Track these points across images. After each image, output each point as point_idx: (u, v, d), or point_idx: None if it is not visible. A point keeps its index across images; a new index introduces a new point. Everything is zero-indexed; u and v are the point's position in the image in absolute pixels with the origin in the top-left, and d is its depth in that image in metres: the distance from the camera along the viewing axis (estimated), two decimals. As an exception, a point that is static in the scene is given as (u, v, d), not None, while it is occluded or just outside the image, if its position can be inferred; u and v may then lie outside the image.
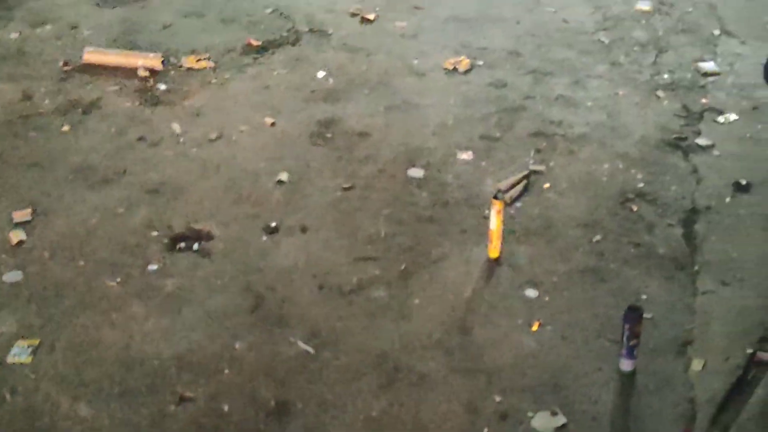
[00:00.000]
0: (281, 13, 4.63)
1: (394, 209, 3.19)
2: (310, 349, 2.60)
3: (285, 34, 4.44)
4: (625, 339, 2.51)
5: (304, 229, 3.09)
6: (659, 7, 4.80)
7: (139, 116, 3.72)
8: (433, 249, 3.00)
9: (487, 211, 3.06)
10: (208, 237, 3.06)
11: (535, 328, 2.69)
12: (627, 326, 2.50)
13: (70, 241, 3.00)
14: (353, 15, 4.63)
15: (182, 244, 3.02)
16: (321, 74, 4.07)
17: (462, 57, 4.20)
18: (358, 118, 3.74)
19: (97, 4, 4.68)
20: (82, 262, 2.90)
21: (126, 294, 2.79)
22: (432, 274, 2.89)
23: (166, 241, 3.03)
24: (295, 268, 2.92)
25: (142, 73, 4.01)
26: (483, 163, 3.46)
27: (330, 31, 4.46)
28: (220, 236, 3.05)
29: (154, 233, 3.05)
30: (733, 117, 3.78)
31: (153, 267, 2.90)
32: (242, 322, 2.70)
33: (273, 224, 3.10)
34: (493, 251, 2.96)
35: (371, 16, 4.61)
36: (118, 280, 2.84)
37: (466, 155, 3.51)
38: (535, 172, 3.40)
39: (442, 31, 4.50)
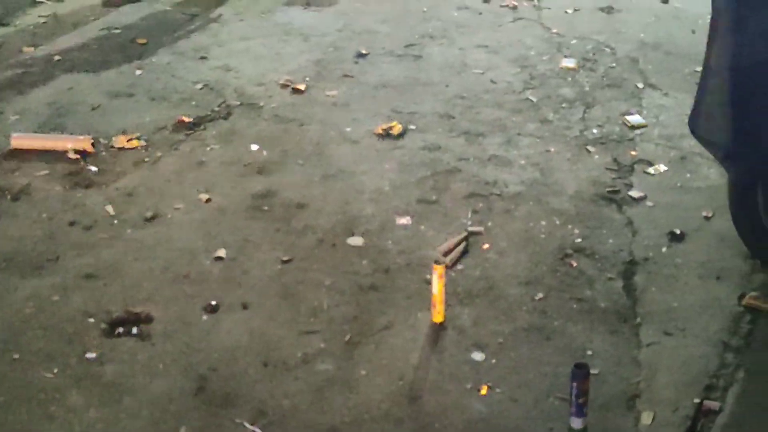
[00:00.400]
0: (211, 89, 4.63)
1: (336, 279, 3.16)
2: (258, 429, 2.54)
3: (216, 108, 4.43)
4: (573, 397, 2.51)
5: (245, 306, 3.04)
6: (584, 64, 4.91)
7: (71, 200, 3.65)
8: (377, 317, 2.98)
9: (428, 276, 3.06)
10: (147, 319, 2.99)
11: (484, 391, 2.67)
12: (574, 384, 2.49)
13: (3, 333, 2.91)
14: (284, 86, 4.64)
15: (121, 329, 2.95)
16: (254, 147, 4.06)
17: (394, 122, 4.23)
18: (294, 189, 3.72)
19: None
20: (16, 355, 2.81)
21: (64, 385, 2.71)
22: (377, 343, 2.87)
23: (103, 326, 2.95)
24: (238, 346, 2.86)
25: (72, 156, 3.95)
26: (422, 227, 3.47)
27: (261, 104, 4.47)
28: (160, 318, 2.99)
29: (91, 319, 2.98)
30: (662, 168, 3.85)
31: (91, 355, 2.82)
32: (186, 405, 2.64)
33: (213, 302, 3.05)
34: (437, 316, 2.95)
35: (302, 87, 4.64)
36: (55, 370, 2.76)
37: (404, 220, 3.51)
38: (473, 233, 3.42)
39: (372, 98, 4.54)
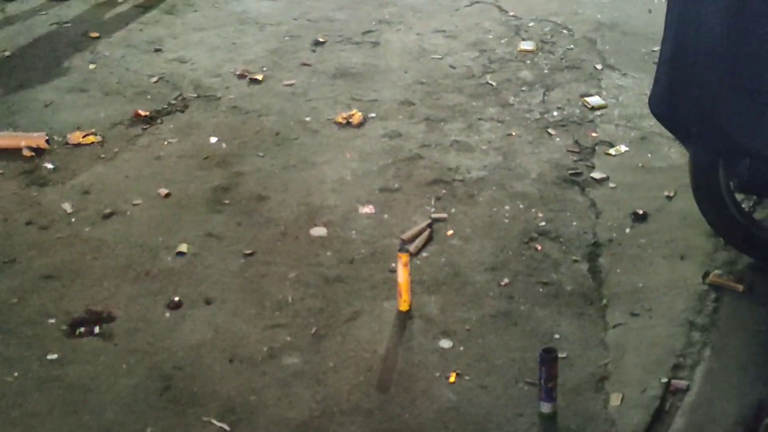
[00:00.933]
0: (167, 81, 4.55)
1: (300, 272, 3.13)
2: (226, 427, 2.51)
3: (173, 102, 4.36)
4: (542, 382, 2.50)
5: (208, 301, 3.00)
6: (542, 46, 4.90)
7: (27, 199, 3.58)
8: (343, 309, 2.95)
9: (393, 265, 3.04)
10: (109, 319, 2.94)
11: (452, 379, 2.66)
12: (543, 368, 2.49)
13: (-39, 338, 2.84)
14: (241, 77, 4.58)
15: (82, 329, 2.90)
16: (213, 140, 4.00)
17: (354, 111, 4.19)
18: (255, 181, 3.68)
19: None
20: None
21: (25, 388, 2.65)
22: (344, 335, 2.84)
23: (64, 327, 2.90)
24: (203, 342, 2.82)
25: (26, 153, 3.87)
26: (385, 216, 3.44)
27: (219, 95, 4.40)
28: (122, 317, 2.94)
29: (51, 321, 2.92)
30: (623, 148, 3.86)
31: (53, 356, 2.77)
32: (152, 405, 2.60)
33: (176, 299, 3.00)
34: (404, 304, 2.93)
35: (259, 77, 4.58)
36: (16, 374, 2.70)
37: (367, 209, 3.48)
38: (437, 220, 3.40)
39: (331, 86, 4.49)
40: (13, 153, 3.87)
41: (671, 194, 3.50)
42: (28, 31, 5.21)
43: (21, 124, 4.14)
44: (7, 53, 4.93)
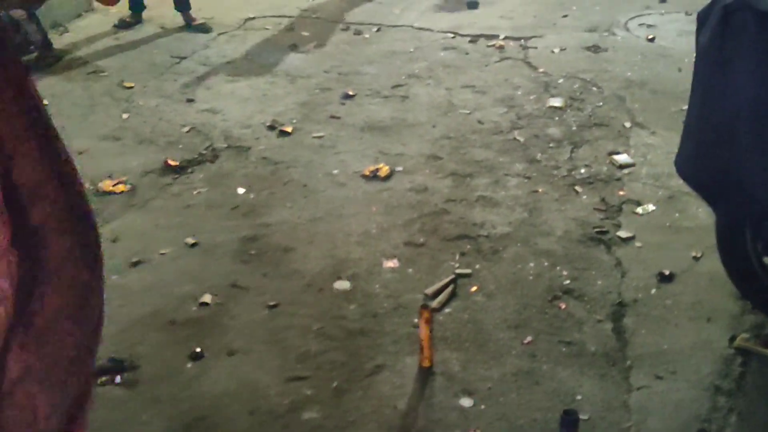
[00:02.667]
0: (198, 131, 4.62)
1: (324, 324, 3.13)
2: (244, 481, 2.51)
3: (203, 151, 4.42)
4: (564, 444, 2.48)
5: (231, 353, 3.01)
6: (571, 103, 4.93)
7: (56, 246, 3.61)
8: (365, 363, 2.94)
9: (416, 320, 3.03)
10: (132, 367, 2.95)
11: (473, 438, 2.64)
12: (564, 431, 2.46)
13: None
14: (270, 128, 4.64)
15: (105, 377, 2.91)
16: (241, 190, 4.05)
17: (381, 164, 4.22)
18: (281, 232, 3.70)
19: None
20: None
21: None
22: (365, 390, 2.83)
23: (87, 375, 2.91)
24: (225, 393, 2.83)
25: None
26: (409, 270, 3.44)
27: (248, 146, 4.46)
28: (144, 367, 2.95)
29: (75, 368, 2.93)
30: (651, 207, 3.85)
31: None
32: (171, 456, 2.60)
33: (198, 350, 3.01)
34: (425, 361, 2.92)
35: (289, 129, 4.63)
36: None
37: (391, 263, 3.49)
38: (461, 275, 3.40)
39: (359, 140, 4.54)
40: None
41: (698, 255, 3.48)
42: (66, 80, 5.32)
43: (54, 171, 4.20)
44: (45, 102, 5.02)
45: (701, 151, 2.85)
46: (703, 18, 2.80)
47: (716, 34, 2.71)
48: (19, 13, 5.51)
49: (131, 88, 5.15)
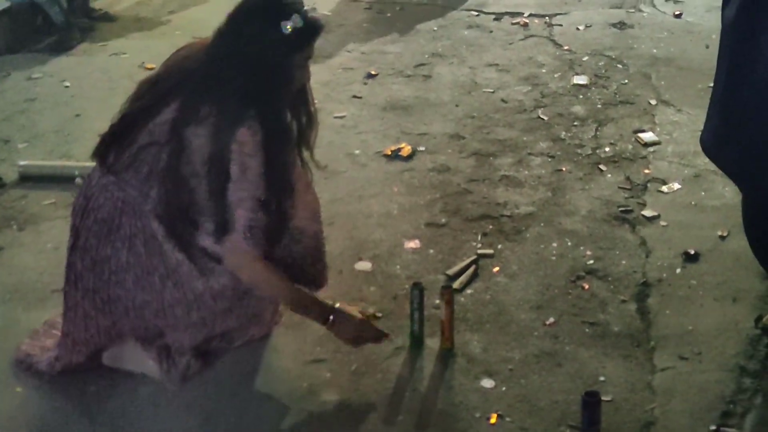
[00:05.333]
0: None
1: (343, 307, 3.10)
2: (262, 463, 2.49)
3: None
4: (585, 426, 2.44)
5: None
6: (596, 81, 4.86)
7: (77, 228, 3.61)
8: (384, 345, 2.91)
9: (437, 301, 3.00)
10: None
11: (493, 420, 2.61)
12: (586, 413, 2.43)
13: (6, 367, 2.86)
14: (292, 109, 4.60)
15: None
16: (262, 171, 4.02)
17: (403, 144, 4.18)
18: (301, 213, 3.67)
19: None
20: (19, 389, 2.77)
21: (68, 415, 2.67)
22: (384, 372, 2.81)
23: (108, 358, 2.91)
24: (242, 378, 2.81)
25: (79, 182, 3.92)
26: (431, 251, 3.41)
27: (269, 127, 4.42)
28: (164, 349, 2.94)
29: (95, 351, 2.94)
30: (676, 186, 3.79)
31: (92, 388, 2.78)
32: (190, 439, 2.59)
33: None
34: (446, 342, 2.89)
35: (310, 109, 4.59)
36: (56, 404, 2.72)
37: (413, 244, 3.45)
38: (483, 256, 3.36)
39: (381, 120, 4.50)
40: (67, 183, 3.92)
41: (724, 234, 3.42)
42: (86, 62, 5.32)
43: (75, 154, 4.20)
44: (66, 83, 5.03)
45: (727, 128, 2.78)
46: (728, -9, 2.74)
47: (743, 6, 2.64)
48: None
49: (152, 69, 5.13)
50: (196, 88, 2.57)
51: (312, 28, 2.59)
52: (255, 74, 2.54)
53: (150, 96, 2.66)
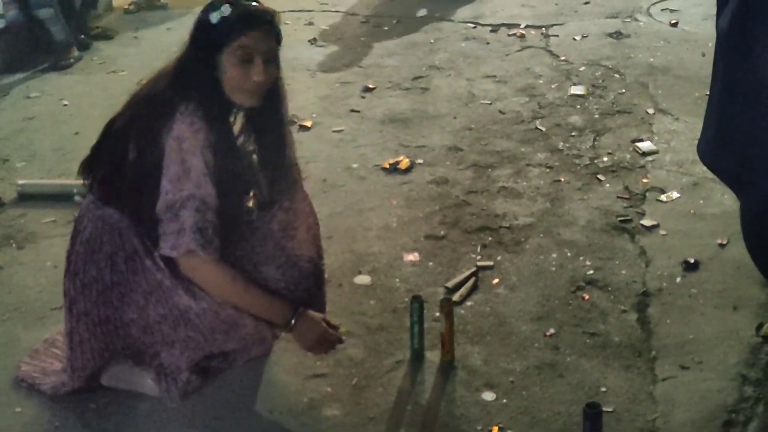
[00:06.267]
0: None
1: (343, 320, 3.09)
2: (264, 479, 2.48)
3: (222, 148, 4.39)
4: (587, 438, 2.43)
5: (250, 350, 2.99)
6: (593, 91, 4.87)
7: (77, 246, 3.61)
8: (385, 359, 2.91)
9: (437, 314, 3.00)
10: (152, 367, 2.94)
11: (495, 433, 2.61)
12: (587, 424, 2.42)
13: (6, 386, 2.86)
14: (290, 123, 4.60)
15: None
16: (261, 186, 4.02)
17: (401, 157, 4.19)
18: (300, 228, 3.67)
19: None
20: (18, 409, 2.77)
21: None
22: (385, 386, 2.80)
23: (108, 375, 2.91)
24: (242, 392, 2.80)
25: (78, 200, 3.92)
26: (430, 264, 3.41)
27: (268, 142, 4.43)
28: (164, 366, 2.94)
29: (95, 369, 2.93)
30: (675, 195, 3.79)
31: (93, 405, 2.77)
32: (191, 456, 2.59)
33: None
34: (446, 355, 2.88)
35: (308, 123, 4.61)
36: (57, 424, 2.71)
37: (412, 257, 3.45)
38: (482, 268, 3.36)
39: (380, 133, 4.50)
40: (66, 201, 3.92)
41: (724, 242, 3.42)
42: (85, 81, 5.34)
43: (74, 172, 4.17)
44: (65, 102, 5.04)
45: (723, 136, 2.78)
46: (722, 0, 2.74)
47: (737, 16, 2.65)
48: (43, 13, 5.53)
49: (151, 86, 5.15)
50: (144, 94, 2.59)
51: (242, 17, 2.48)
52: (187, 68, 2.51)
53: (126, 114, 2.66)
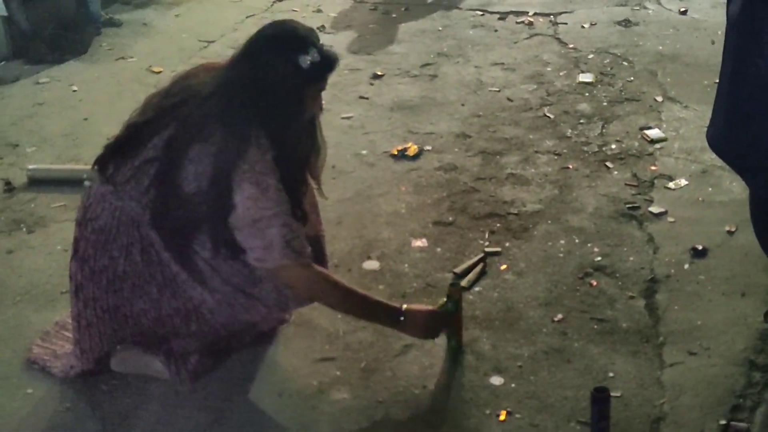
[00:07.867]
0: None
1: (351, 305, 3.11)
2: (273, 462, 2.50)
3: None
4: (594, 422, 2.45)
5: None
6: (601, 78, 4.86)
7: (87, 231, 3.63)
8: (393, 343, 2.93)
9: (445, 300, 3.00)
10: (162, 350, 2.96)
11: (503, 417, 2.62)
12: (595, 409, 2.43)
13: (17, 368, 2.88)
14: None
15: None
16: (270, 172, 4.03)
17: (410, 143, 4.19)
18: (309, 214, 3.69)
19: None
20: (30, 390, 2.79)
21: (81, 416, 2.69)
22: (394, 370, 2.81)
23: (118, 358, 2.93)
24: (253, 376, 2.82)
25: (88, 185, 3.93)
26: (438, 250, 3.42)
27: (276, 128, 4.44)
28: (174, 349, 2.95)
29: (106, 352, 2.95)
30: (683, 182, 3.79)
31: (105, 387, 2.79)
32: (201, 438, 2.61)
33: (228, 332, 3.01)
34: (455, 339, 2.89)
35: (317, 110, 4.61)
36: (68, 405, 2.73)
37: (420, 243, 3.46)
38: (491, 254, 3.37)
39: (388, 120, 4.51)
40: (75, 186, 3.93)
41: (732, 229, 3.42)
42: (93, 67, 5.35)
43: (83, 158, 4.22)
44: (74, 88, 5.05)
45: (733, 123, 2.78)
46: (733, -14, 2.73)
47: (747, 2, 2.64)
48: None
49: (159, 73, 5.16)
50: (202, 107, 2.57)
51: (328, 63, 2.60)
52: (267, 100, 2.54)
53: (155, 111, 2.67)
